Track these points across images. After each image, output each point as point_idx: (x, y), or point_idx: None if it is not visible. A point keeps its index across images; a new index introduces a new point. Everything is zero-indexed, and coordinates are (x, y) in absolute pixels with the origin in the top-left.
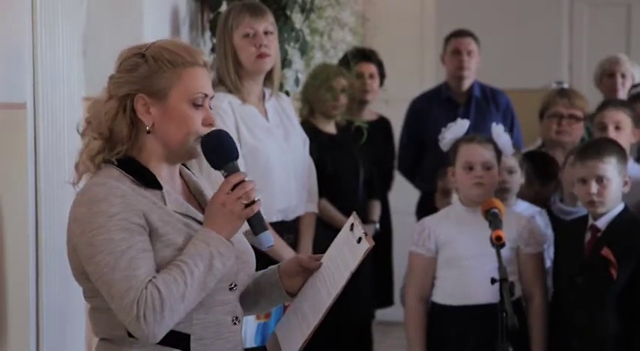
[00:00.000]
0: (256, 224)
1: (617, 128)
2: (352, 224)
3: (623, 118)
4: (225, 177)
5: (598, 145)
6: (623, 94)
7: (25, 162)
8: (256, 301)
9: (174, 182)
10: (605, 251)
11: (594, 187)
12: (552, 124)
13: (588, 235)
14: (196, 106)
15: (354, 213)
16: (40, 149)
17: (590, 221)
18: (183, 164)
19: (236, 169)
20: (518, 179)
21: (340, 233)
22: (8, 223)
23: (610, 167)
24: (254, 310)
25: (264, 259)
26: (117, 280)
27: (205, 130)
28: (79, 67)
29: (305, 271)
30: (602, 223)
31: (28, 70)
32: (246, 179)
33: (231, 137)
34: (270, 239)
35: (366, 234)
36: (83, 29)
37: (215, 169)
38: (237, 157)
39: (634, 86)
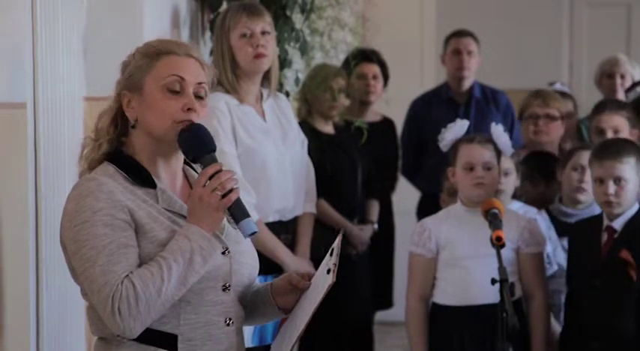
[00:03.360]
0: (236, 212)
1: (615, 132)
2: (332, 249)
3: (620, 121)
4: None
5: (616, 145)
6: (622, 94)
7: (25, 162)
8: (251, 316)
9: (175, 181)
10: (625, 253)
11: (612, 188)
12: (529, 125)
13: (604, 237)
14: (173, 92)
15: (339, 237)
16: (40, 149)
17: (606, 222)
18: (189, 165)
19: (212, 161)
20: (513, 181)
21: (326, 256)
22: (8, 223)
23: (628, 168)
24: (251, 323)
25: (264, 260)
26: (96, 275)
27: (186, 116)
28: (79, 67)
29: (297, 289)
30: (618, 224)
31: (28, 70)
32: (223, 169)
33: (207, 130)
34: (252, 226)
35: (335, 265)
36: (83, 29)
37: (192, 163)
38: (213, 150)
39: (633, 86)
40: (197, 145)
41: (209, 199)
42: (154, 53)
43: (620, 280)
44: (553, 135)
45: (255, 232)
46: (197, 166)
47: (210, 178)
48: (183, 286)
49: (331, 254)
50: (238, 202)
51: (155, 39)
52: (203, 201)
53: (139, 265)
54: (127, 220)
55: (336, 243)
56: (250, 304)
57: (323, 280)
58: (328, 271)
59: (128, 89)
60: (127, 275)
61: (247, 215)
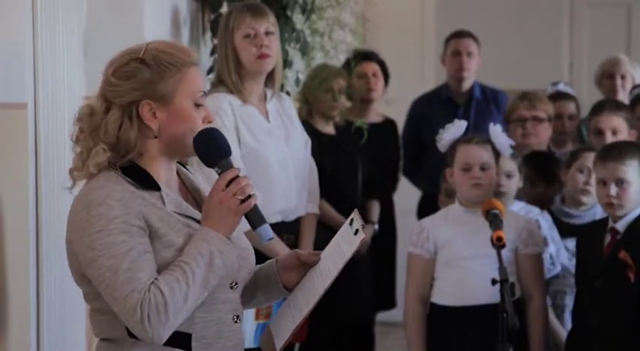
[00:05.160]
0: (254, 218)
1: (614, 132)
2: (352, 219)
3: (619, 122)
4: (219, 174)
5: (620, 147)
6: (622, 95)
7: (25, 162)
8: (253, 295)
9: (171, 181)
10: (623, 254)
11: (613, 190)
12: (517, 128)
13: (608, 238)
14: (198, 105)
15: (356, 210)
16: (41, 149)
17: (610, 224)
18: (179, 162)
19: (230, 166)
20: (515, 183)
21: (340, 229)
22: (8, 223)
23: (631, 170)
24: (252, 303)
25: (262, 259)
26: (119, 283)
27: (205, 128)
28: (79, 67)
29: (303, 266)
30: (621, 226)
31: (28, 70)
32: (240, 174)
33: (222, 134)
34: (269, 232)
35: (363, 226)
36: (83, 29)
37: (208, 166)
38: (230, 154)
39: (635, 87)
40: (214, 149)
41: (229, 203)
42: (181, 64)
43: (620, 281)
44: (541, 137)
45: (272, 238)
46: (191, 165)
47: (229, 182)
48: (206, 290)
49: (350, 224)
50: (256, 208)
51: (167, 44)
52: (223, 205)
53: (157, 271)
54: (142, 226)
55: (353, 214)
56: (252, 283)
57: (349, 242)
58: (356, 232)
59: (152, 99)
60: (153, 282)
61: (264, 221)
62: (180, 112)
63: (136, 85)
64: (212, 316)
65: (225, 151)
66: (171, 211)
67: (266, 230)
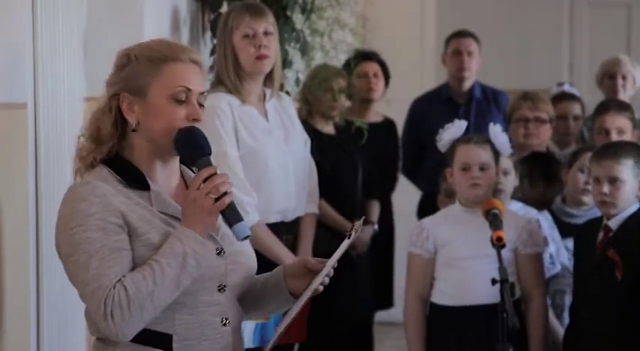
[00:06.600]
0: (229, 216)
1: (620, 132)
2: (351, 227)
3: (624, 122)
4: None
5: (616, 147)
6: (623, 95)
7: (25, 162)
8: (266, 303)
9: (171, 183)
10: (611, 252)
11: (606, 188)
12: (519, 127)
13: (601, 235)
14: (178, 101)
15: (360, 221)
16: (41, 149)
17: (604, 221)
18: (186, 165)
19: (207, 165)
20: (512, 181)
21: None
22: (8, 223)
23: (625, 169)
24: (264, 311)
25: (264, 261)
26: (89, 279)
27: (190, 125)
28: (80, 67)
29: (310, 273)
30: (614, 224)
31: (29, 70)
32: (218, 172)
33: (202, 133)
34: (245, 230)
35: (356, 231)
36: (83, 29)
37: (187, 166)
38: (209, 153)
39: None
40: (192, 148)
41: (202, 202)
42: (159, 59)
43: (608, 278)
44: (543, 137)
45: (248, 236)
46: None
47: (205, 181)
48: (177, 290)
49: (349, 237)
50: (232, 205)
51: (157, 41)
52: (196, 204)
53: (133, 268)
54: (120, 223)
55: (355, 224)
56: (263, 290)
57: (341, 247)
58: (349, 236)
59: (129, 92)
60: (120, 279)
61: (240, 219)
62: (154, 107)
63: (119, 78)
64: (195, 319)
65: (203, 149)
66: (158, 211)
67: (241, 228)
